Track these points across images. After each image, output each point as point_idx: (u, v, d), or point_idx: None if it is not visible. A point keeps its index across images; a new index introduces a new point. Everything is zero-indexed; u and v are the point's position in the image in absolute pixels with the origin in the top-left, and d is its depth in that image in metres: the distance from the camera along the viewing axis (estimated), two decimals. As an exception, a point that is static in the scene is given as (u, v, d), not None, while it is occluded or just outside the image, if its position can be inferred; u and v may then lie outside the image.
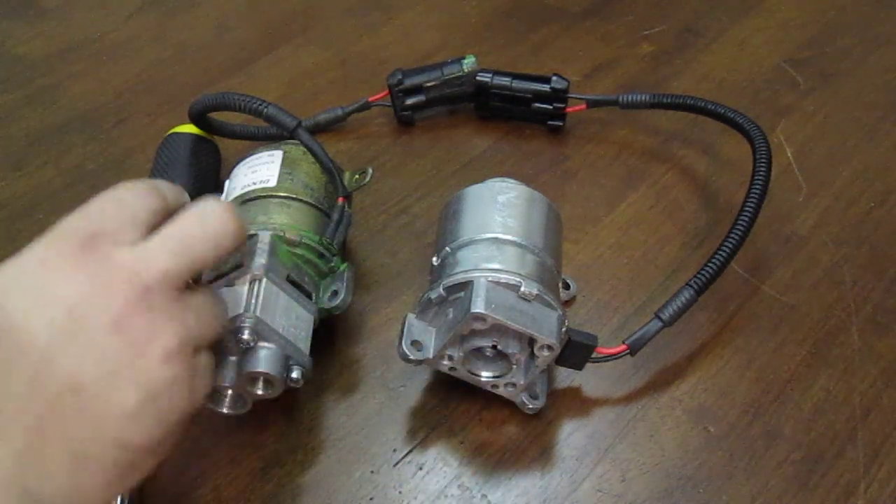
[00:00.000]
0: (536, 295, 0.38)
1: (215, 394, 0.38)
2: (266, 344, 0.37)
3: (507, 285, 0.38)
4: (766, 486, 0.40)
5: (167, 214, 0.33)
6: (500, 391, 0.41)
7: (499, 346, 0.38)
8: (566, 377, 0.44)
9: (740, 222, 0.44)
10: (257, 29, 0.73)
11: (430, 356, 0.39)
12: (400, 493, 0.40)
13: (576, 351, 0.40)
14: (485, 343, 0.38)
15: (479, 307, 0.36)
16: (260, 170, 0.46)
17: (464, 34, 0.71)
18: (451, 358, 0.39)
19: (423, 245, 0.52)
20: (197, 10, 0.76)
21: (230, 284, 0.39)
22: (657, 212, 0.54)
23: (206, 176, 0.53)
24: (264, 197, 0.44)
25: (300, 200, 0.45)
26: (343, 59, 0.69)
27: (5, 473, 0.27)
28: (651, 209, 0.54)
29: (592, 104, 0.58)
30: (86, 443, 0.28)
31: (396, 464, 0.41)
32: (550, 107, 0.58)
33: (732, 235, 0.44)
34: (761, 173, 0.46)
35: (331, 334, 0.46)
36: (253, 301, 0.38)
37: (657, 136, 0.60)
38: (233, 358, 0.37)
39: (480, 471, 0.41)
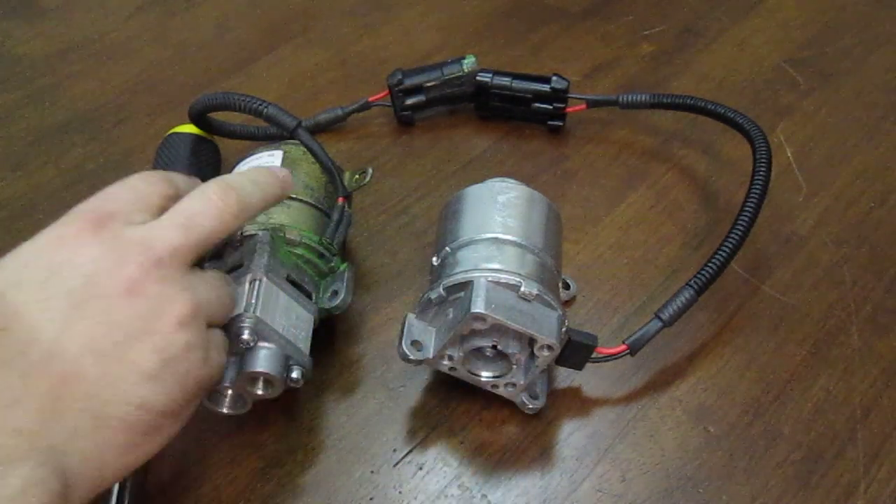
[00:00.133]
0: (536, 295, 0.38)
1: (215, 394, 0.38)
2: (266, 344, 0.37)
3: (507, 285, 0.38)
4: (766, 486, 0.40)
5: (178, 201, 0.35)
6: (500, 391, 0.41)
7: (499, 346, 0.38)
8: (566, 377, 0.44)
9: (740, 222, 0.44)
10: (257, 29, 0.73)
11: (430, 356, 0.39)
12: (400, 493, 0.40)
13: (576, 351, 0.40)
14: (485, 343, 0.38)
15: (479, 307, 0.36)
16: (260, 170, 0.46)
17: (464, 34, 0.71)
18: (451, 358, 0.39)
19: (423, 245, 0.52)
20: (197, 10, 0.76)
21: (230, 284, 0.39)
22: (657, 212, 0.54)
23: (206, 176, 0.52)
24: (264, 197, 0.44)
25: (300, 200, 0.45)
26: (343, 59, 0.69)
27: (30, 432, 0.28)
28: (651, 209, 0.54)
29: (592, 104, 0.58)
30: (106, 403, 0.30)
31: (396, 464, 0.41)
32: (550, 107, 0.58)
33: (732, 235, 0.44)
34: (761, 173, 0.46)
35: (331, 334, 0.46)
36: (253, 301, 0.38)
37: (657, 136, 0.60)
38: (233, 358, 0.37)
39: (480, 471, 0.41)
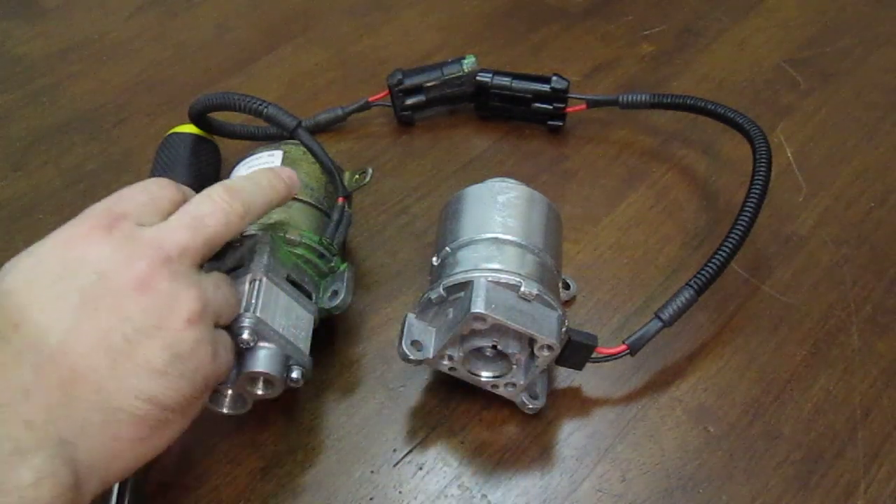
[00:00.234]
0: (536, 295, 0.38)
1: (215, 394, 0.38)
2: (266, 344, 0.37)
3: (507, 285, 0.38)
4: (766, 486, 0.40)
5: None
6: (500, 391, 0.41)
7: (499, 346, 0.38)
8: (566, 377, 0.44)
9: (740, 222, 0.44)
10: (257, 29, 0.73)
11: (430, 356, 0.39)
12: (400, 493, 0.40)
13: (576, 351, 0.40)
14: (485, 343, 0.38)
15: (479, 307, 0.36)
16: (260, 170, 0.46)
17: (464, 34, 0.71)
18: (451, 358, 0.39)
19: (423, 245, 0.52)
20: (197, 10, 0.76)
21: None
22: (657, 212, 0.54)
23: (206, 176, 0.53)
24: (264, 197, 0.44)
25: (300, 200, 0.45)
26: (343, 59, 0.69)
27: (41, 425, 0.28)
28: (651, 209, 0.54)
29: (592, 104, 0.58)
30: (115, 397, 0.30)
31: (396, 464, 0.41)
32: (550, 107, 0.58)
33: (732, 235, 0.44)
34: (761, 173, 0.46)
35: (331, 334, 0.46)
36: (253, 301, 0.38)
37: (657, 136, 0.60)
38: (233, 358, 0.37)
39: (480, 471, 0.41)
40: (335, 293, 0.42)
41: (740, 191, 0.47)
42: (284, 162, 0.46)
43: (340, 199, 0.46)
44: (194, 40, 0.72)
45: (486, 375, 0.41)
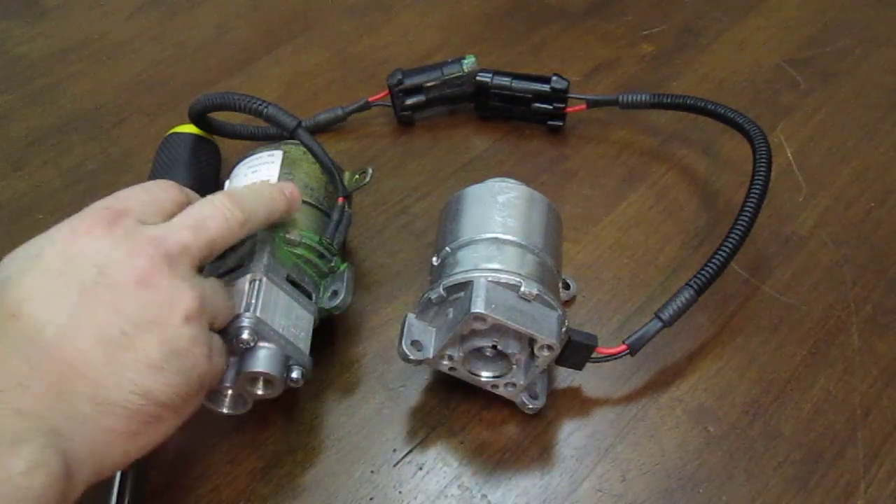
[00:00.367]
0: (536, 295, 0.38)
1: (215, 394, 0.38)
2: (266, 344, 0.37)
3: (507, 285, 0.38)
4: (766, 487, 0.40)
5: None
6: (500, 391, 0.41)
7: (499, 346, 0.38)
8: (566, 377, 0.44)
9: (740, 222, 0.44)
10: (257, 29, 0.73)
11: (430, 356, 0.39)
12: (400, 493, 0.40)
13: (576, 351, 0.40)
14: (485, 343, 0.38)
15: (479, 307, 0.36)
16: (260, 170, 0.46)
17: (464, 34, 0.71)
18: (451, 358, 0.39)
19: (423, 245, 0.52)
20: (197, 10, 0.76)
21: (230, 284, 0.39)
22: (657, 212, 0.54)
23: (206, 176, 0.53)
24: (264, 197, 0.44)
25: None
26: (343, 59, 0.69)
27: (34, 415, 0.28)
28: (651, 209, 0.54)
29: (592, 104, 0.58)
30: (110, 390, 0.30)
31: (396, 464, 0.41)
32: (550, 107, 0.58)
33: (732, 235, 0.44)
34: (761, 173, 0.46)
35: (331, 334, 0.46)
36: (253, 301, 0.38)
37: (657, 136, 0.60)
38: (233, 358, 0.37)
39: (480, 471, 0.41)
40: (335, 293, 0.42)
41: (740, 191, 0.47)
42: (284, 162, 0.46)
43: (340, 199, 0.46)
44: (194, 40, 0.72)
45: (486, 375, 0.41)
